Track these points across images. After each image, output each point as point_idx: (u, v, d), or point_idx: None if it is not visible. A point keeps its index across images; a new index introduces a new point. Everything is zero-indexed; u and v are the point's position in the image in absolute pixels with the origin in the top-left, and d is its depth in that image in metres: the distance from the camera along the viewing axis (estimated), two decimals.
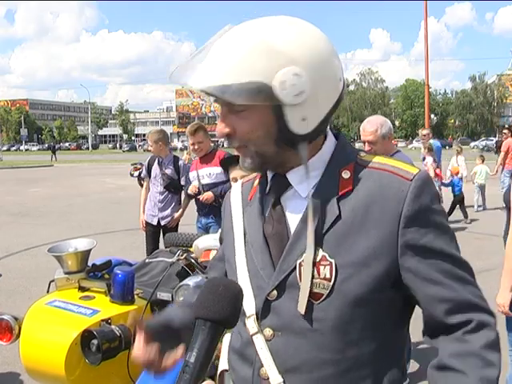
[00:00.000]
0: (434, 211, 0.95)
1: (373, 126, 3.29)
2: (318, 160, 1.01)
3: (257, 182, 1.13)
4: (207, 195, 4.48)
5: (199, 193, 4.61)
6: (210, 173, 4.60)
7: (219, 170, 4.57)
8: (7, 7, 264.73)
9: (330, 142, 1.03)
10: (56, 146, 49.41)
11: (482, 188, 10.68)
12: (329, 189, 0.97)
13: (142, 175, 5.35)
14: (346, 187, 0.97)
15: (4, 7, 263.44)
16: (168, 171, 5.05)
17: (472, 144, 59.32)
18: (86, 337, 2.07)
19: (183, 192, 5.13)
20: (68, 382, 2.15)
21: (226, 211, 1.18)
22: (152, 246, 5.14)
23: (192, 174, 4.77)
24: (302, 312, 0.94)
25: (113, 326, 2.16)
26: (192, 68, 0.94)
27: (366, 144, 3.33)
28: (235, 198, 1.17)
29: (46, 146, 71.91)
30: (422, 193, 0.94)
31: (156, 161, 5.13)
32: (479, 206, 10.69)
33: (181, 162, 5.21)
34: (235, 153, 1.05)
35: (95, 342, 2.04)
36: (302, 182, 1.00)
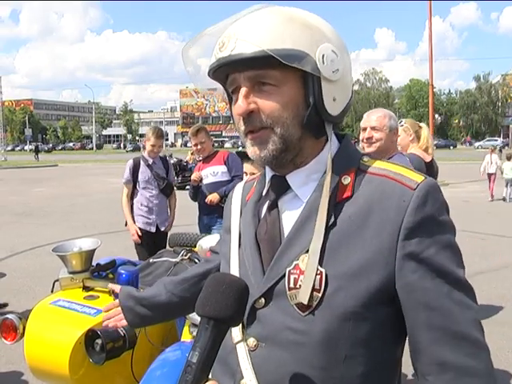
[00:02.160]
0: (439, 223, 0.87)
1: (379, 112, 2.98)
2: (320, 162, 0.96)
3: (256, 182, 1.09)
4: (213, 197, 4.49)
5: (201, 180, 4.63)
6: (214, 171, 4.62)
7: (223, 168, 4.60)
8: (12, 7, 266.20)
9: (333, 144, 0.96)
10: (39, 147, 51.24)
11: (509, 181, 13.92)
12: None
13: (124, 180, 4.80)
14: (345, 194, 0.91)
15: (9, 7, 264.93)
16: (160, 172, 4.77)
17: (476, 144, 59.14)
18: (90, 336, 2.06)
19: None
20: (72, 381, 2.15)
21: (227, 210, 1.15)
22: (148, 256, 4.82)
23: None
24: (305, 302, 0.87)
25: None
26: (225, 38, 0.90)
27: (367, 131, 2.93)
28: (236, 197, 1.13)
29: (43, 147, 72.61)
30: (426, 203, 0.87)
31: (142, 163, 4.74)
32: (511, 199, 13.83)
33: (168, 158, 5.09)
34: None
35: (99, 341, 2.04)
36: (303, 185, 0.96)
